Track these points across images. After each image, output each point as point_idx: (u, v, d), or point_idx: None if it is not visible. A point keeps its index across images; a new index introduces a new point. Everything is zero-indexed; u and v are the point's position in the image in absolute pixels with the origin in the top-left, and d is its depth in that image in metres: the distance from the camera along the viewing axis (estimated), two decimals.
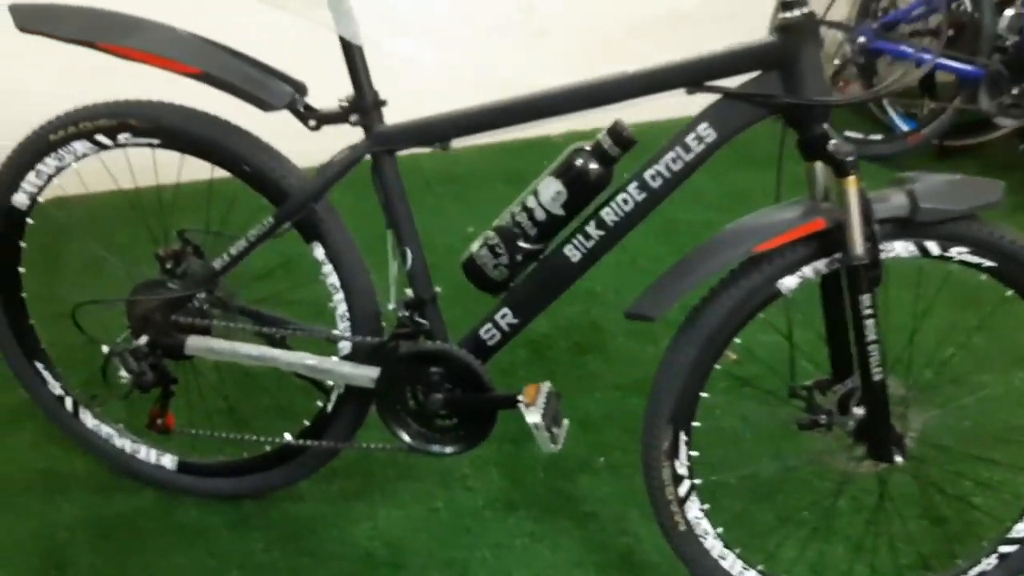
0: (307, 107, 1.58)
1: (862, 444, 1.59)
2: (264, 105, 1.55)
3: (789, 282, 1.49)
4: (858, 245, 1.42)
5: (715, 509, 1.64)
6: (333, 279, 1.67)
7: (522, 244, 1.56)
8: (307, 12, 1.49)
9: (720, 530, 1.65)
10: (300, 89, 1.58)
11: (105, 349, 1.73)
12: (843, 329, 1.57)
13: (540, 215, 1.54)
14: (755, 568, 1.67)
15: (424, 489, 1.95)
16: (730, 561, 1.65)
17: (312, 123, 1.58)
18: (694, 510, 1.63)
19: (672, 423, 1.57)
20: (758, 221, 1.48)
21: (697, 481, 1.62)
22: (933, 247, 1.48)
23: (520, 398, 1.54)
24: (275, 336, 1.73)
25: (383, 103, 1.57)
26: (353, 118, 1.56)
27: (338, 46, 1.53)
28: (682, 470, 1.60)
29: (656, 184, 1.49)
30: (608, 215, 1.52)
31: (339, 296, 1.68)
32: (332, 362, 1.69)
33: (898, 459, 1.56)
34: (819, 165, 1.48)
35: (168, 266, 1.74)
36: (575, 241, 1.55)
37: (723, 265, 1.47)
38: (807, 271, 1.49)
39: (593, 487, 1.97)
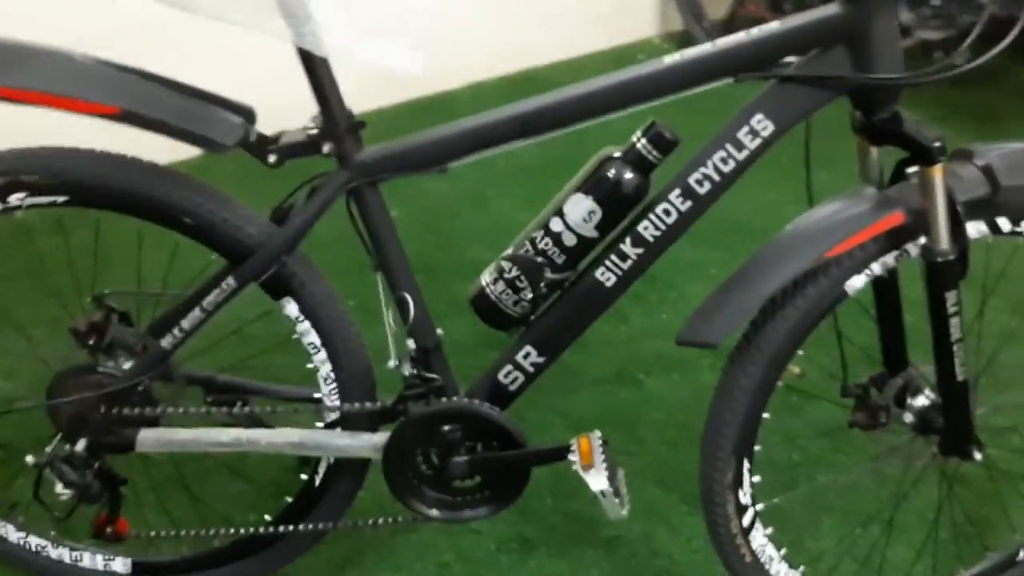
0: (262, 138, 1.26)
1: (925, 436, 1.46)
2: (211, 145, 1.21)
3: (856, 282, 1.31)
4: (943, 239, 1.25)
5: (777, 530, 1.48)
6: (312, 337, 1.38)
7: (548, 274, 1.30)
8: (256, 23, 1.16)
9: (784, 551, 1.49)
10: (248, 116, 1.25)
11: (31, 460, 1.38)
12: (896, 321, 1.42)
13: (569, 240, 1.29)
14: None
15: (425, 541, 1.71)
16: None
17: (272, 159, 1.26)
18: (759, 538, 1.46)
19: (735, 454, 1.38)
20: (825, 220, 1.27)
21: (759, 507, 1.45)
22: (1004, 223, 1.32)
23: (573, 458, 1.30)
24: (242, 410, 1.43)
25: (360, 125, 1.26)
26: (326, 147, 1.25)
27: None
28: (745, 499, 1.42)
29: (703, 190, 1.26)
30: (647, 230, 1.28)
31: (320, 356, 1.39)
32: (325, 435, 1.40)
33: (977, 456, 1.42)
34: (873, 149, 1.30)
35: (90, 342, 1.40)
36: (608, 263, 1.31)
37: (792, 276, 1.27)
38: (875, 268, 1.31)
39: None
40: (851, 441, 1.84)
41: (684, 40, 3.21)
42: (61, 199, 1.28)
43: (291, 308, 1.35)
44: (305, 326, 1.37)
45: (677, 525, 1.75)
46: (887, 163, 1.31)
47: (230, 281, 1.29)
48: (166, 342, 1.33)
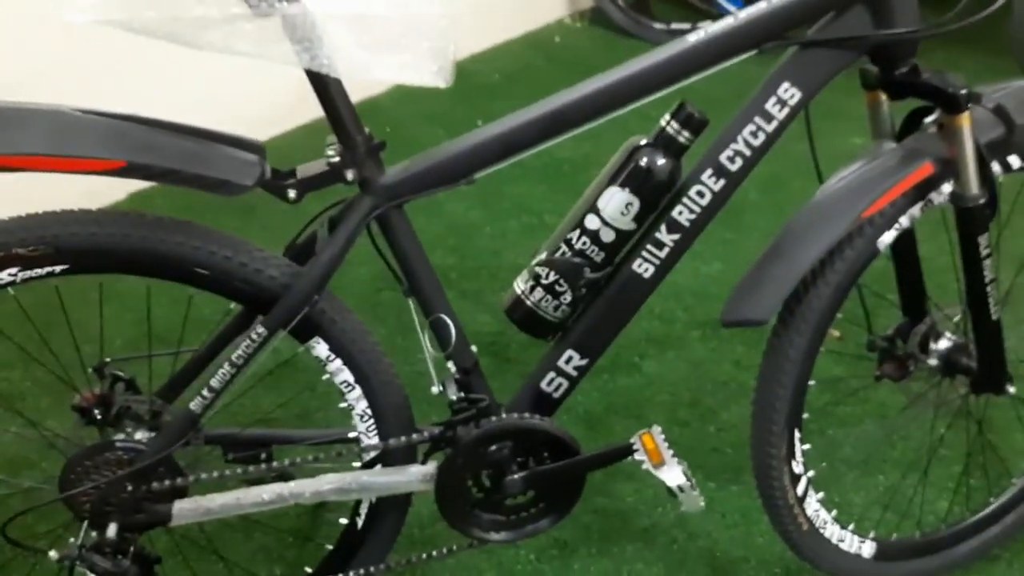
0: (278, 174, 1.17)
1: (951, 377, 1.49)
2: (228, 188, 1.12)
3: (887, 238, 1.31)
4: (973, 185, 1.26)
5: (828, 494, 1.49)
6: (344, 376, 1.29)
7: (588, 275, 1.26)
8: (263, 52, 1.07)
9: (834, 513, 1.50)
10: (259, 151, 1.16)
11: (55, 555, 1.26)
12: (916, 269, 1.43)
13: (607, 236, 1.25)
14: (868, 538, 1.53)
15: (464, 563, 1.64)
16: (847, 541, 1.51)
17: (292, 194, 1.17)
18: (813, 504, 1.46)
19: (787, 426, 1.37)
20: (856, 182, 1.27)
21: (811, 473, 1.45)
22: (1015, 161, 1.34)
23: (640, 456, 1.27)
24: (271, 464, 1.34)
25: (381, 146, 1.19)
26: (350, 175, 1.17)
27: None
28: (798, 468, 1.42)
29: (735, 167, 1.24)
30: (682, 215, 1.26)
31: (355, 393, 1.31)
32: (371, 475, 1.32)
33: (1011, 389, 1.46)
34: (884, 99, 1.30)
35: (98, 417, 1.29)
36: (645, 253, 1.27)
37: (833, 241, 1.26)
38: (904, 221, 1.31)
39: (638, 493, 1.75)
40: (850, 392, 1.87)
41: (596, 17, 3.20)
42: (59, 268, 1.16)
43: (320, 349, 1.27)
44: (336, 364, 1.29)
45: (708, 503, 1.72)
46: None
47: (260, 330, 1.20)
48: (195, 405, 1.23)
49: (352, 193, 1.21)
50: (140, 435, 1.30)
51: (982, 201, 1.27)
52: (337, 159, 1.16)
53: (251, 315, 1.28)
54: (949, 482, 1.72)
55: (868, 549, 1.52)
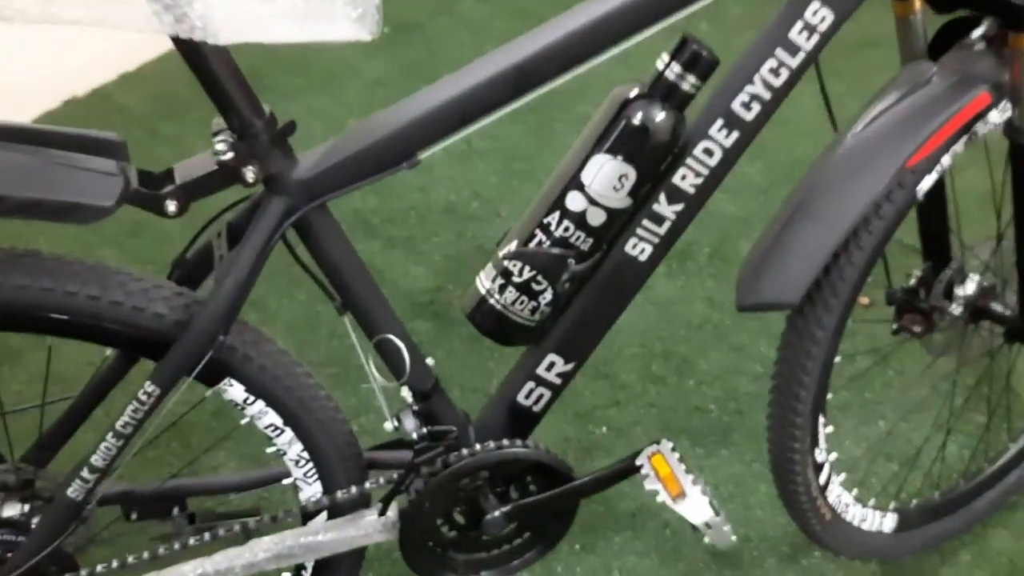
0: (148, 179, 0.85)
1: (976, 325, 1.28)
2: (82, 213, 0.80)
3: (927, 183, 1.07)
4: None
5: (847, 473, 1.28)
6: (269, 419, 1.01)
7: (574, 267, 0.99)
8: (97, 16, 0.74)
9: (855, 492, 1.30)
10: (120, 153, 0.83)
11: None
12: (943, 211, 1.20)
13: (596, 217, 0.97)
14: (888, 510, 1.34)
15: None
16: (869, 519, 1.32)
17: (172, 208, 0.85)
18: (835, 490, 1.26)
19: (812, 413, 1.15)
20: (897, 118, 1.01)
21: (833, 457, 1.23)
22: None
23: (653, 485, 1.02)
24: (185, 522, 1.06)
25: (289, 129, 0.87)
26: (250, 173, 0.86)
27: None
28: (821, 456, 1.21)
29: (752, 115, 0.97)
30: (686, 180, 0.98)
31: (285, 436, 1.02)
32: (318, 532, 1.05)
33: None
34: (919, 15, 1.04)
35: None
36: (641, 231, 1.00)
37: (875, 197, 1.01)
38: (946, 161, 1.06)
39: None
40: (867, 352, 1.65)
41: None
42: None
43: (235, 391, 0.97)
44: (257, 407, 0.99)
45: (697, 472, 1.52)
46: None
47: (149, 388, 0.89)
48: (75, 491, 0.93)
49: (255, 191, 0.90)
50: (10, 511, 1.00)
51: None
52: (229, 154, 0.84)
53: (131, 357, 0.97)
54: (965, 435, 1.53)
55: (890, 523, 1.34)
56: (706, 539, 1.05)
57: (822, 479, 1.22)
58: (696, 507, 1.01)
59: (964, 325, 1.29)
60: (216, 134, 0.86)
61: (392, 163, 0.90)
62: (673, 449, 1.04)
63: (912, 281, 1.25)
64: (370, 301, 0.97)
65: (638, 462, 1.04)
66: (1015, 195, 1.12)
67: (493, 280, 1.01)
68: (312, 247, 0.93)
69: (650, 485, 1.03)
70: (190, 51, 0.80)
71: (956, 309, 1.25)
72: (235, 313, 0.89)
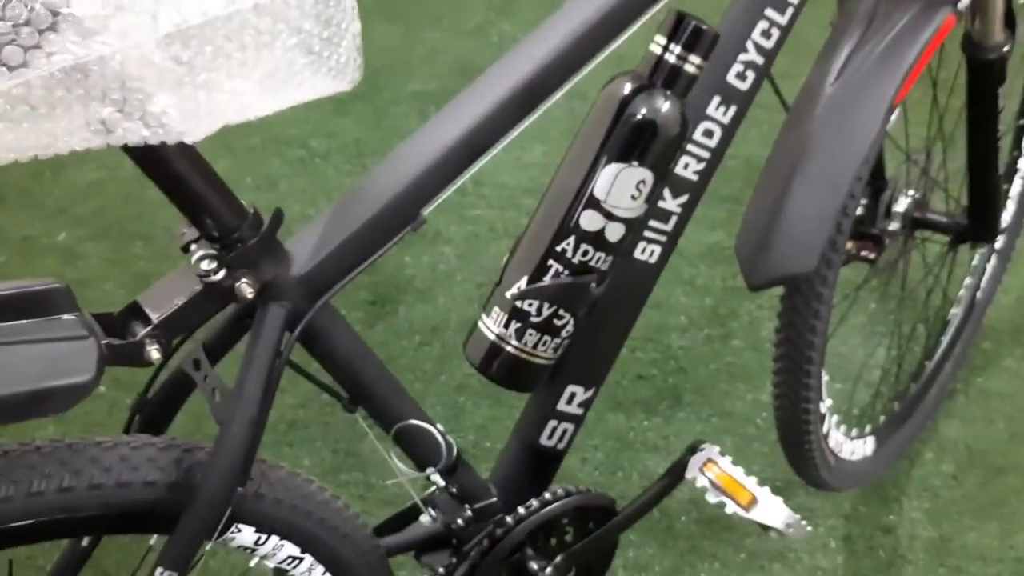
0: (112, 326, 0.65)
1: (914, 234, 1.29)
2: (64, 398, 0.60)
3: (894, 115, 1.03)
4: (998, 33, 1.00)
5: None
6: (286, 551, 0.84)
7: (595, 290, 0.87)
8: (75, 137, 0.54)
9: (843, 429, 1.29)
10: (67, 303, 0.63)
11: None
12: None
13: (615, 233, 0.85)
14: (866, 434, 1.34)
15: None
16: (857, 449, 1.32)
17: (155, 352, 0.66)
18: (835, 435, 1.24)
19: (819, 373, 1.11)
20: (872, 60, 0.95)
21: (830, 402, 1.21)
22: None
23: (715, 498, 0.93)
24: None
25: (277, 221, 0.69)
26: (247, 288, 0.68)
27: None
28: (824, 408, 1.18)
29: (747, 85, 0.88)
30: (688, 168, 0.89)
31: (304, 564, 0.86)
32: None
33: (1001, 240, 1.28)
34: None
35: None
36: (648, 233, 0.91)
37: (873, 142, 0.95)
38: None
39: (598, 452, 1.44)
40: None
41: None
42: None
43: (244, 536, 0.80)
44: (271, 544, 0.83)
45: (658, 443, 1.47)
46: None
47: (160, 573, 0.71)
48: None
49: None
50: None
51: (1006, 49, 1.01)
52: (221, 272, 0.66)
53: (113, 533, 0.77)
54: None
55: (870, 446, 1.34)
56: (789, 538, 0.99)
57: (824, 428, 1.20)
58: (773, 510, 0.93)
59: (904, 241, 1.29)
60: (187, 246, 0.67)
61: (397, 230, 0.75)
62: (721, 452, 0.96)
63: (859, 210, 1.23)
64: (387, 391, 0.82)
65: (689, 475, 0.96)
66: (969, 106, 1.11)
67: (505, 325, 0.87)
68: (318, 351, 0.76)
69: (713, 499, 0.95)
70: (145, 157, 0.61)
71: (894, 226, 1.24)
72: (252, 456, 0.72)
